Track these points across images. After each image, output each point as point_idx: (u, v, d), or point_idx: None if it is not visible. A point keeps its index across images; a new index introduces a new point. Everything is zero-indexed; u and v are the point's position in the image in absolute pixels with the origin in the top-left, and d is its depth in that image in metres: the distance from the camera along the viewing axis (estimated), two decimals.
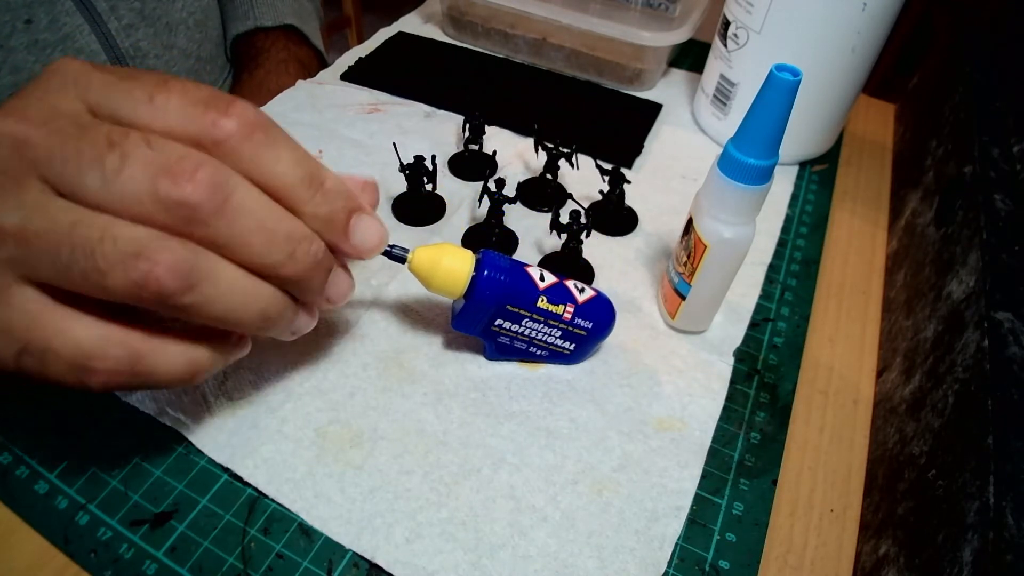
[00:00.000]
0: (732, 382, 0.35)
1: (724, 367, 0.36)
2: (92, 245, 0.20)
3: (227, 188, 0.22)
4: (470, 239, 0.41)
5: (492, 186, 0.39)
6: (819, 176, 0.50)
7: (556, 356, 0.34)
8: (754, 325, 0.39)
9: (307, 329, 0.27)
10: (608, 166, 0.43)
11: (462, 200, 0.44)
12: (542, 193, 0.44)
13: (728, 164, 0.30)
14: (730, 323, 0.38)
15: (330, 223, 0.25)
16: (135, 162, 0.21)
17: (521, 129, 0.50)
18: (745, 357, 0.37)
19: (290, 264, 0.24)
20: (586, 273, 0.40)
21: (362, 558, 0.28)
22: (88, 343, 0.22)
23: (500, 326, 0.32)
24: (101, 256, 0.20)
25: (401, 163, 0.41)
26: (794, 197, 0.48)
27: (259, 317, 0.24)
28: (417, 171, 0.41)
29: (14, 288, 0.22)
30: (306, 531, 0.28)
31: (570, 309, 0.32)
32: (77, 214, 0.21)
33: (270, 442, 0.30)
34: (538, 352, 0.34)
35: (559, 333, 0.33)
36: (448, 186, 0.45)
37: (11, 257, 0.21)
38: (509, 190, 0.41)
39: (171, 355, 0.24)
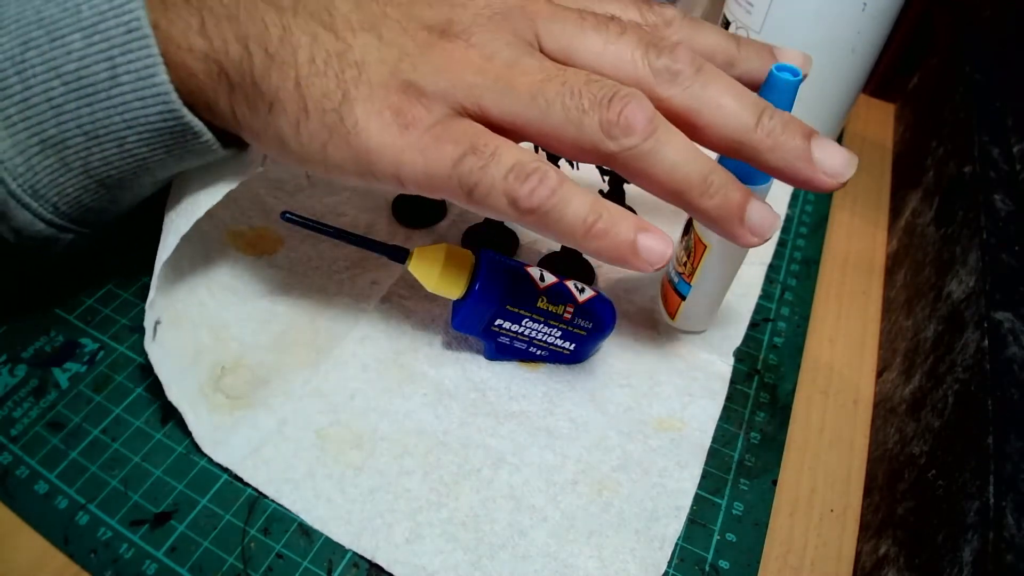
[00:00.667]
0: (732, 382, 0.35)
1: (724, 367, 0.36)
2: (577, 84, 0.23)
3: (705, 65, 0.25)
4: (470, 239, 0.41)
5: None
6: None
7: (556, 356, 0.34)
8: (754, 325, 0.39)
9: (768, 222, 0.25)
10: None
11: None
12: None
13: (727, 164, 0.30)
14: (730, 323, 0.38)
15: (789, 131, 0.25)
16: (632, 34, 0.25)
17: None
18: (745, 357, 0.37)
19: (759, 131, 0.24)
20: (586, 273, 0.40)
21: (362, 558, 0.28)
22: (527, 158, 0.24)
23: (500, 326, 0.32)
24: (587, 94, 0.23)
25: None
26: (794, 197, 0.48)
27: (703, 180, 0.24)
28: None
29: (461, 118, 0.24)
30: (306, 531, 0.28)
31: (570, 309, 0.32)
32: (564, 67, 0.24)
33: (270, 443, 0.30)
34: (538, 352, 0.34)
35: (559, 333, 0.33)
36: None
37: (483, 85, 0.24)
38: None
39: (583, 204, 0.24)
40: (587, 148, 0.24)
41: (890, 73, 0.57)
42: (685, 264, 0.34)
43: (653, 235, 0.24)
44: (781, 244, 0.44)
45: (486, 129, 0.24)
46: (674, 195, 0.24)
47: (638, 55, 0.24)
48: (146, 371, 0.33)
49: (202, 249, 0.37)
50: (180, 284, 0.34)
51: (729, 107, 0.24)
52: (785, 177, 0.25)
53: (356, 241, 0.30)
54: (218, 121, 0.26)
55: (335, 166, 0.25)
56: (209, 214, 0.39)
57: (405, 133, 0.24)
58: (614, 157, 0.24)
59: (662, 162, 0.23)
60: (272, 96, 0.24)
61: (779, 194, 0.47)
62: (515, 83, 0.23)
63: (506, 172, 0.23)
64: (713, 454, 0.32)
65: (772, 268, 0.42)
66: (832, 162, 0.24)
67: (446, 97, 0.24)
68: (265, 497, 0.29)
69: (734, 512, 0.30)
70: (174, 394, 0.30)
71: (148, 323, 0.30)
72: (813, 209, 0.47)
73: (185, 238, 0.36)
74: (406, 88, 0.24)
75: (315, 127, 0.24)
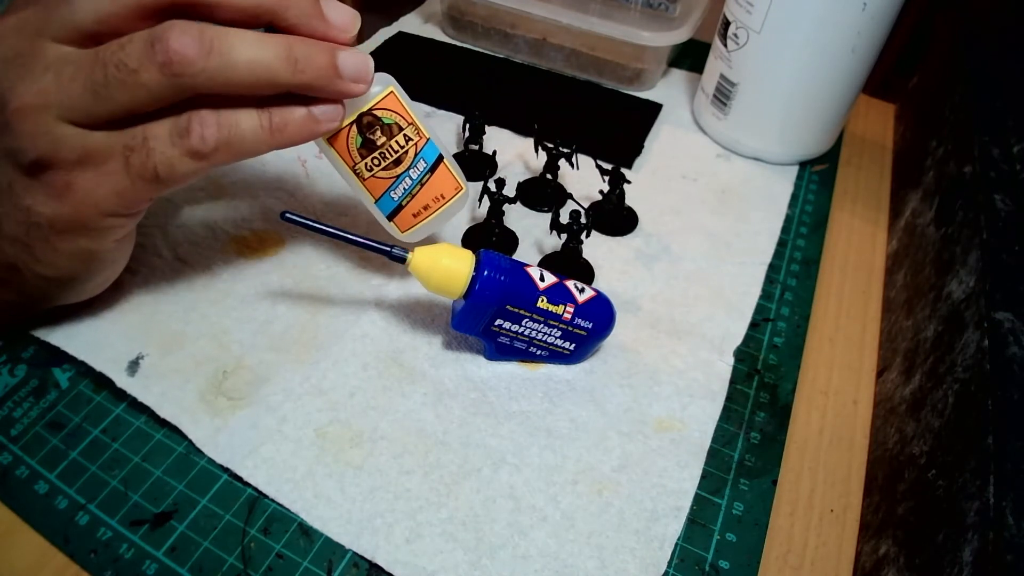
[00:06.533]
0: (732, 382, 0.35)
1: (724, 367, 0.36)
2: (115, 55, 0.23)
3: None
4: (470, 239, 0.41)
5: (492, 186, 0.39)
6: (819, 176, 0.50)
7: (556, 356, 0.34)
8: (754, 325, 0.39)
9: (363, 66, 0.27)
10: (608, 166, 0.43)
11: None
12: (542, 193, 0.44)
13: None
14: (730, 322, 0.38)
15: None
16: None
17: (521, 129, 0.50)
18: (745, 357, 0.37)
19: None
20: (586, 273, 0.40)
21: (362, 558, 0.28)
22: (179, 119, 0.25)
23: (500, 326, 0.32)
24: (127, 58, 0.23)
25: None
26: (794, 197, 0.48)
27: (287, 59, 0.25)
28: None
29: (90, 134, 0.25)
30: (306, 531, 0.28)
31: (570, 309, 0.32)
32: (92, 48, 0.24)
33: (270, 442, 0.30)
34: (538, 352, 0.34)
35: (559, 333, 0.33)
36: None
37: (63, 112, 0.24)
38: (509, 190, 0.41)
39: (250, 116, 0.26)
40: (160, 97, 0.24)
41: (890, 73, 0.57)
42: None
43: (321, 107, 0.27)
44: (781, 244, 0.44)
45: (108, 132, 0.25)
46: (270, 87, 0.25)
47: None
48: None
49: (205, 265, 0.37)
50: (176, 305, 0.35)
51: None
52: (313, 69, 0.26)
53: (356, 241, 0.30)
54: None
55: (64, 251, 0.27)
56: (212, 227, 0.39)
57: (73, 190, 0.25)
58: (193, 89, 0.24)
59: (237, 67, 0.24)
60: None
61: (779, 192, 0.47)
62: (70, 91, 0.24)
63: (169, 141, 0.24)
64: (713, 454, 0.32)
65: (772, 268, 0.42)
66: (339, 15, 0.26)
67: (55, 144, 0.24)
68: (265, 497, 0.29)
69: (734, 512, 0.30)
70: (167, 411, 0.31)
71: (117, 367, 0.32)
72: (813, 209, 0.47)
73: (184, 259, 0.37)
74: (34, 168, 0.25)
75: (8, 246, 0.27)
